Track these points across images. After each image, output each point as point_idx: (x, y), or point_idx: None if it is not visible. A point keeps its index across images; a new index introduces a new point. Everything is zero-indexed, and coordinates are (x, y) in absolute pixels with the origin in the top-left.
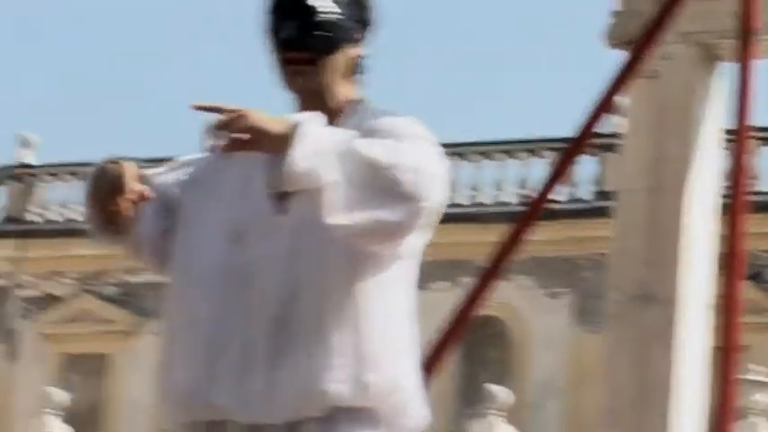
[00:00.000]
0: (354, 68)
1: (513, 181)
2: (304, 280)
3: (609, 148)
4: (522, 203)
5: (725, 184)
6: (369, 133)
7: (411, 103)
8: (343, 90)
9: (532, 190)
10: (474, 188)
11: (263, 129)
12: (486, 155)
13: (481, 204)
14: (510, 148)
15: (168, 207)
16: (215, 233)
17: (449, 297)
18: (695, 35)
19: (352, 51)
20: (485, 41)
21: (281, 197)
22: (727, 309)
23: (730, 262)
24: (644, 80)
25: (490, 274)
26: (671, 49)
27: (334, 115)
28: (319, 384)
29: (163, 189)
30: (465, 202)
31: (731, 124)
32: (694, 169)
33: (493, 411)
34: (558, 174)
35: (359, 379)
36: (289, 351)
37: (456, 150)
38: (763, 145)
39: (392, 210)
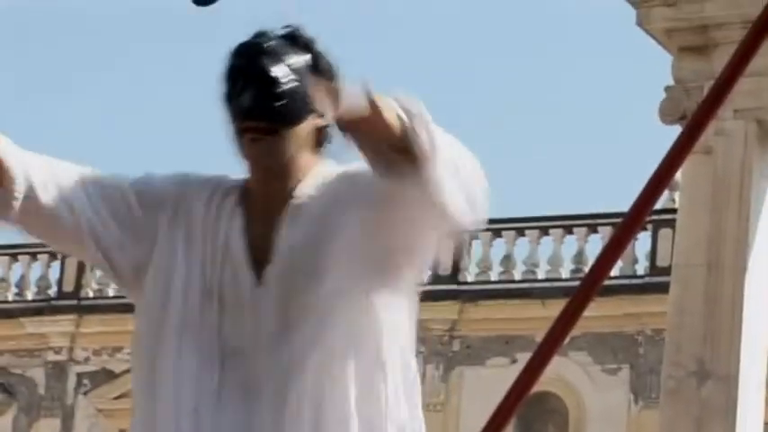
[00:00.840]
0: (319, 139)
1: (570, 257)
2: (297, 359)
3: (663, 223)
4: (578, 279)
5: None
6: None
7: None
8: (307, 162)
9: (588, 266)
10: (531, 264)
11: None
12: (543, 230)
13: (537, 280)
14: (567, 223)
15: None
16: (189, 284)
17: (506, 373)
18: (751, 111)
19: (315, 122)
20: (544, 117)
21: (258, 265)
22: None
23: None
24: (699, 156)
25: (547, 350)
26: (726, 125)
27: (294, 187)
28: None
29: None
30: (521, 278)
31: None
32: (751, 246)
33: None
34: (615, 249)
35: None
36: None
37: (514, 226)
38: None
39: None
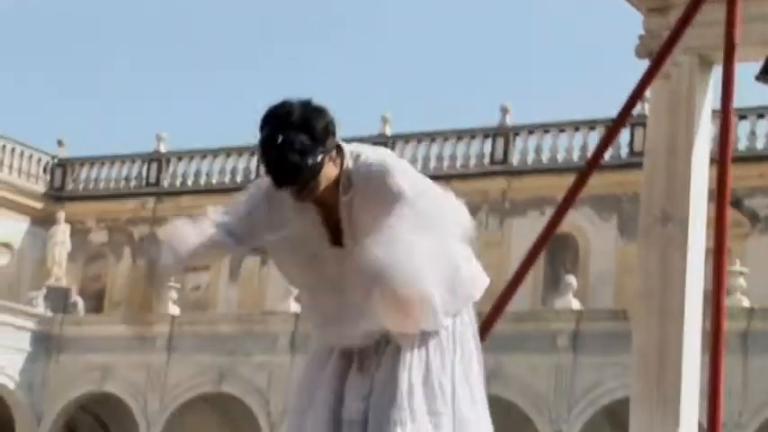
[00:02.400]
0: (335, 157)
1: (578, 146)
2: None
3: (638, 124)
4: (583, 160)
5: (714, 144)
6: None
7: (516, 84)
8: (332, 171)
9: (590, 152)
10: (553, 151)
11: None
12: (561, 129)
13: (557, 161)
14: (576, 125)
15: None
16: (298, 256)
17: (539, 221)
18: (696, 49)
19: (328, 159)
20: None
21: (334, 234)
22: (717, 224)
23: (720, 194)
24: (661, 80)
25: (564, 205)
26: (679, 58)
27: (334, 183)
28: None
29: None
30: (547, 160)
31: (719, 106)
32: (695, 136)
33: (567, 293)
34: (607, 140)
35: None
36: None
37: (542, 127)
38: (740, 119)
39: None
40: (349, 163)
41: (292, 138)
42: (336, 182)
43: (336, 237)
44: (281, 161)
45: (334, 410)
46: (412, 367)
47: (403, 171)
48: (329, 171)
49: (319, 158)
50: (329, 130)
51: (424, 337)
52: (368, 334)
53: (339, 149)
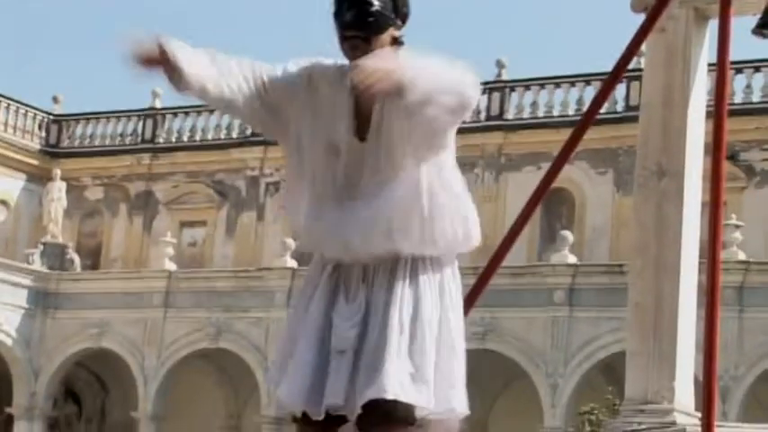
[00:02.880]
0: (394, 44)
1: (574, 100)
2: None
3: (634, 77)
4: (579, 115)
5: (710, 98)
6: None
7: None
8: (387, 53)
9: (586, 106)
10: (549, 105)
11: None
12: (556, 84)
13: (553, 116)
14: (572, 79)
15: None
16: (317, 143)
17: (535, 176)
18: (691, 2)
19: (393, 32)
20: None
21: (361, 126)
22: (713, 177)
23: (716, 147)
24: (657, 33)
25: (560, 160)
26: (675, 11)
27: None
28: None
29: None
30: (543, 115)
31: (715, 59)
32: (691, 89)
33: (563, 247)
34: (603, 95)
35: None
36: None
37: (537, 82)
38: (736, 72)
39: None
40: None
41: None
42: None
43: (362, 130)
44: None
45: (324, 337)
46: (403, 304)
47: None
48: (386, 49)
49: (391, 17)
50: (406, 9)
51: (415, 273)
52: (372, 247)
53: (396, 41)
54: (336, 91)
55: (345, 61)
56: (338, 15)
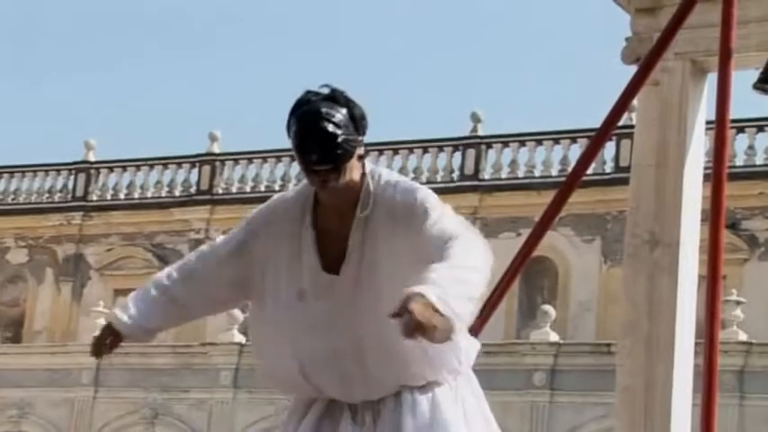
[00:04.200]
0: (360, 160)
1: (558, 160)
2: (365, 327)
3: (624, 135)
4: (564, 176)
5: (709, 159)
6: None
7: (494, 102)
8: (356, 173)
9: (571, 166)
10: (530, 165)
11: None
12: (538, 141)
13: (535, 177)
14: (556, 136)
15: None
16: (283, 292)
17: (513, 244)
18: (688, 54)
19: (359, 151)
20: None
21: (331, 265)
22: (711, 249)
23: (714, 215)
24: (650, 87)
25: (542, 226)
26: (669, 64)
27: (353, 191)
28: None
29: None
30: (523, 175)
31: (714, 117)
32: (687, 150)
33: (544, 324)
34: (590, 154)
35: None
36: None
37: (517, 138)
38: (737, 132)
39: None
40: (370, 180)
41: (335, 110)
42: (353, 193)
43: (330, 263)
44: (320, 130)
45: None
46: (418, 426)
47: (436, 201)
48: (354, 169)
49: (355, 140)
50: (365, 122)
51: (430, 389)
52: (376, 382)
53: (362, 157)
54: (295, 229)
55: (293, 193)
56: (303, 151)
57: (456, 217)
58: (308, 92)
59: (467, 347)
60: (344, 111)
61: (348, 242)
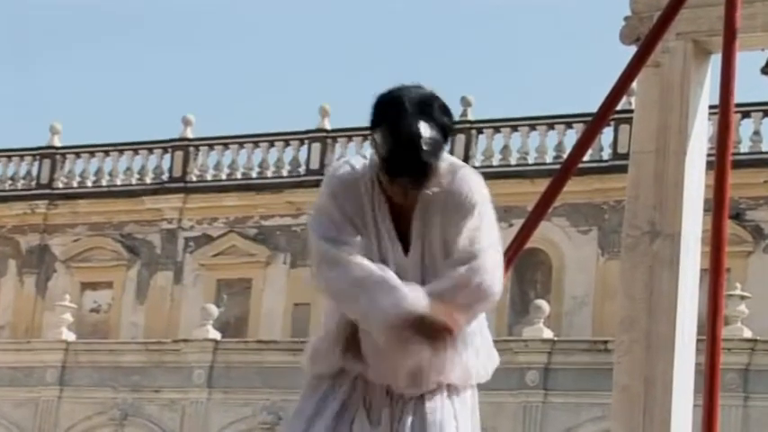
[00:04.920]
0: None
1: (553, 146)
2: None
3: (623, 120)
4: (559, 163)
5: (712, 146)
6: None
7: (482, 85)
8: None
9: (567, 153)
10: (523, 152)
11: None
12: (532, 127)
13: (528, 164)
14: (551, 121)
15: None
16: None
17: (505, 235)
18: (690, 34)
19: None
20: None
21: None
22: (714, 240)
23: (718, 205)
24: (650, 68)
25: (535, 216)
26: (670, 44)
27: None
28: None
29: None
30: (516, 162)
31: (717, 101)
32: (689, 136)
33: (537, 320)
34: (586, 140)
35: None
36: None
37: (510, 124)
38: (742, 117)
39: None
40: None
41: (434, 130)
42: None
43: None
44: (419, 160)
45: None
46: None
47: (485, 201)
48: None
49: (443, 146)
50: (451, 116)
51: (450, 396)
52: (415, 375)
53: None
54: (378, 213)
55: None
56: (395, 171)
57: (494, 229)
58: (406, 92)
59: (484, 361)
60: (440, 125)
61: (412, 223)
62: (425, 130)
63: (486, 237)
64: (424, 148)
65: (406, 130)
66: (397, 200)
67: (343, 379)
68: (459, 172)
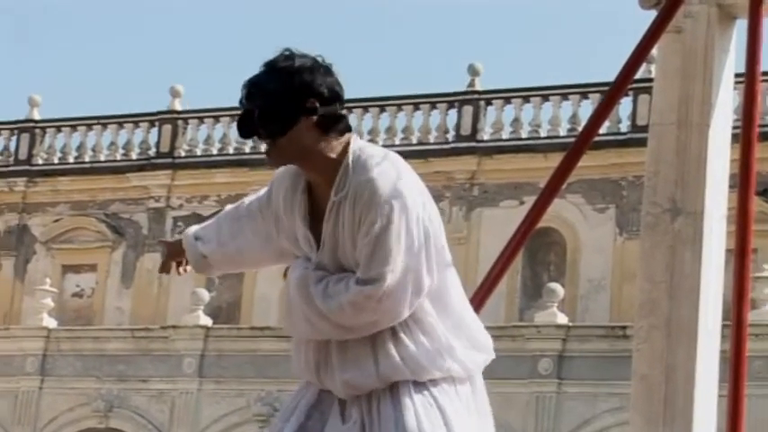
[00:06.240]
0: (325, 128)
1: (567, 118)
2: None
3: (642, 90)
4: (573, 136)
5: (737, 117)
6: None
7: (495, 54)
8: (325, 148)
9: (582, 125)
10: (535, 124)
11: None
12: (544, 97)
13: (540, 137)
14: (564, 91)
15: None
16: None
17: (516, 213)
18: None
19: (308, 121)
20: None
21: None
22: (740, 219)
23: (743, 180)
24: (671, 34)
25: (548, 193)
26: (693, 8)
27: (330, 169)
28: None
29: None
30: (527, 135)
31: (744, 69)
32: (713, 106)
33: (551, 304)
34: (603, 111)
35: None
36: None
37: (521, 94)
38: None
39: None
40: (351, 160)
41: (266, 81)
42: (331, 169)
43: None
44: (241, 102)
45: None
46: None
47: (408, 216)
48: (308, 140)
49: (289, 109)
50: (315, 88)
51: (422, 389)
52: (352, 385)
53: (342, 133)
54: (296, 198)
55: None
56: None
57: (406, 242)
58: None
59: (433, 352)
60: (281, 80)
61: (322, 227)
62: (256, 80)
63: (386, 253)
64: (248, 92)
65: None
66: (277, 166)
67: None
68: (375, 168)
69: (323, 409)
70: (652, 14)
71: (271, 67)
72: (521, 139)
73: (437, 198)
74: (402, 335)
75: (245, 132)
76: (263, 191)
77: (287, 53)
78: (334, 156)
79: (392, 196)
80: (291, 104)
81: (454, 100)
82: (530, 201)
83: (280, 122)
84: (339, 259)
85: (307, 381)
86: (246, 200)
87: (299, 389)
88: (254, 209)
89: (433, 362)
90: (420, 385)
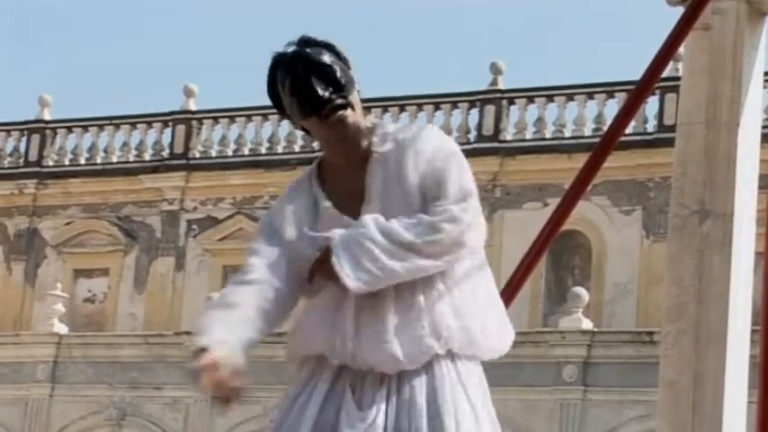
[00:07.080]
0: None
1: (592, 117)
2: None
3: (669, 89)
4: (598, 136)
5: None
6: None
7: (517, 51)
8: (361, 120)
9: (607, 125)
10: (559, 124)
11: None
12: (569, 96)
13: (565, 137)
14: (589, 90)
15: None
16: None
17: (539, 215)
18: None
19: (358, 88)
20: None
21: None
22: None
23: None
24: (699, 31)
25: (573, 195)
26: (721, 5)
27: (364, 139)
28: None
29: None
30: (551, 135)
31: None
32: (743, 105)
33: (576, 309)
34: (629, 111)
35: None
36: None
37: (545, 93)
38: None
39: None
40: (379, 128)
41: (318, 49)
42: (365, 138)
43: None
44: (317, 63)
45: None
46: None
47: (462, 158)
48: (358, 115)
49: (351, 73)
50: (350, 63)
51: (435, 374)
52: (394, 357)
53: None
54: (315, 188)
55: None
56: (306, 92)
57: (470, 184)
58: (279, 52)
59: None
60: (330, 50)
61: (365, 181)
62: (309, 49)
63: (457, 191)
64: (316, 54)
65: (289, 57)
66: (336, 158)
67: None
68: (414, 126)
69: (336, 401)
70: (679, 10)
71: (305, 43)
72: (544, 140)
73: None
74: (451, 300)
75: (335, 83)
76: (256, 259)
77: (303, 37)
78: (364, 126)
79: (444, 139)
80: (348, 68)
81: (476, 99)
82: (554, 202)
83: (352, 80)
84: (386, 212)
85: (310, 373)
86: (258, 280)
87: (299, 389)
88: (280, 270)
89: (475, 338)
90: (456, 363)
